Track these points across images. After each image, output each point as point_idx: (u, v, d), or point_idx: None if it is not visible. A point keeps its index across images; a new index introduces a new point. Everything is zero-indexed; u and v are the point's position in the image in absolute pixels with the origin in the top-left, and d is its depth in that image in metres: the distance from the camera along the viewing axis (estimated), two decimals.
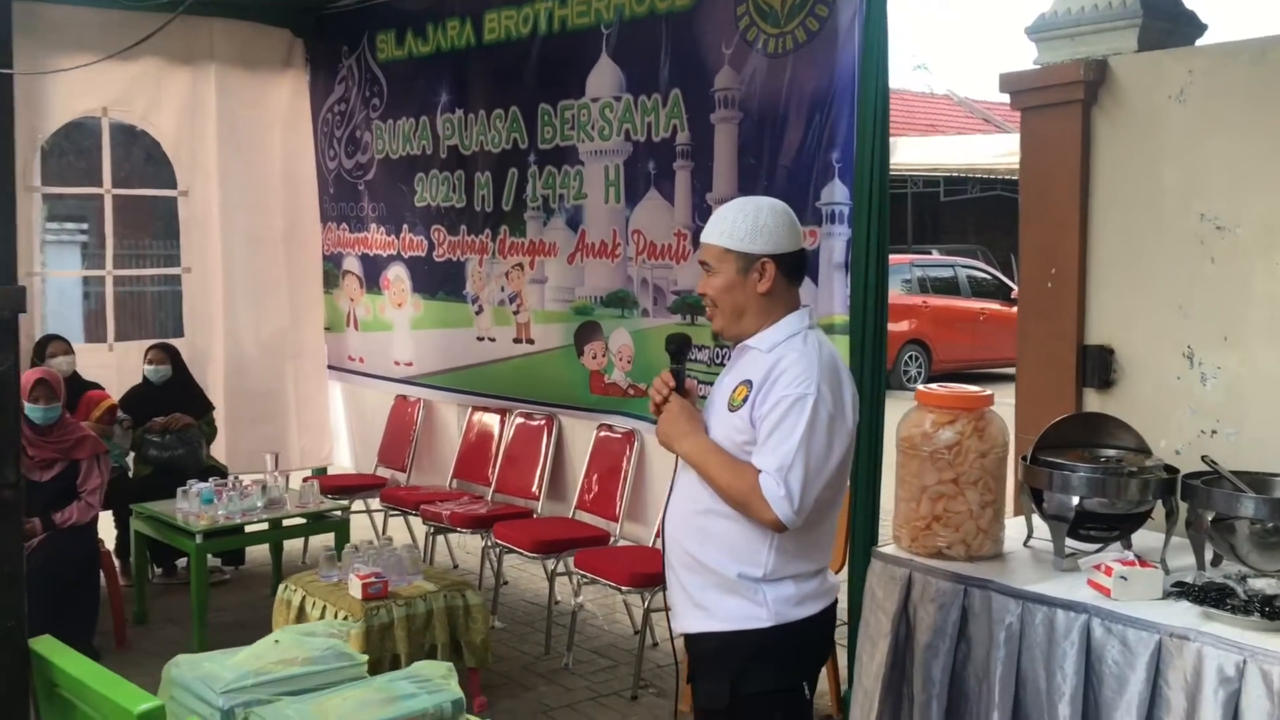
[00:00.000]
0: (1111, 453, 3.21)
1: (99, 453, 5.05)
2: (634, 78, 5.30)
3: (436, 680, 1.88)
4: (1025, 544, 3.24)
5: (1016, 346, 4.05)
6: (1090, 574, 2.84)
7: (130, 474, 6.16)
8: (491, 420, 6.32)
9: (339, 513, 5.65)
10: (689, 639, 2.66)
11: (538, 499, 5.87)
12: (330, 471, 7.41)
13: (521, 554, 5.30)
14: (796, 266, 2.63)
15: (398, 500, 6.26)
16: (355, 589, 4.27)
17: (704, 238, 2.63)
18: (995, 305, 14.54)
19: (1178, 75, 3.53)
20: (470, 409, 6.47)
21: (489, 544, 5.57)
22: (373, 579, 4.28)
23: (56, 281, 11.47)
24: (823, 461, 2.46)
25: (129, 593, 5.60)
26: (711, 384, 2.78)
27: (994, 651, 2.84)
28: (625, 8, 5.28)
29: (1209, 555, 2.97)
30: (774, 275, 2.56)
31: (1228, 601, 2.58)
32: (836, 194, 4.40)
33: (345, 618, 4.19)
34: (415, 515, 6.05)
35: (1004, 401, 3.95)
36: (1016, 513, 3.38)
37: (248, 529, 5.53)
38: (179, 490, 5.34)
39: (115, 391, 6.20)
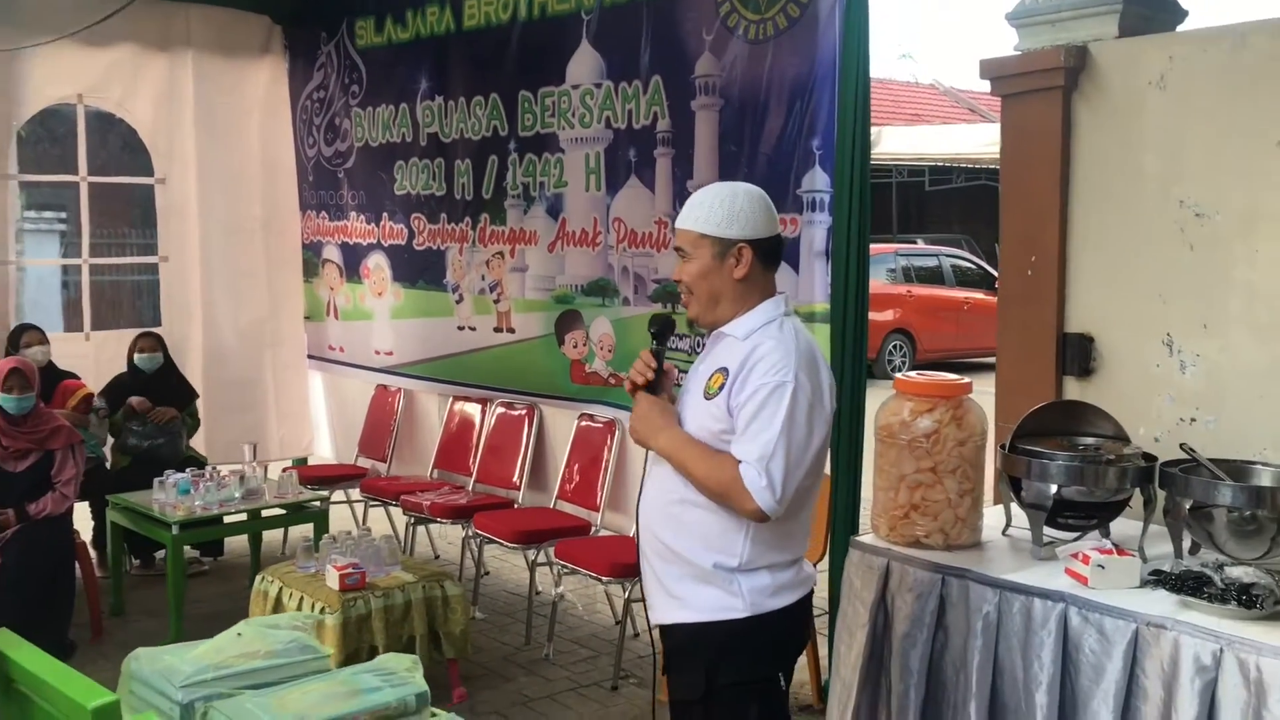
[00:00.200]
0: (1090, 441, 3.19)
1: (74, 443, 5.00)
2: (615, 64, 5.26)
3: (401, 673, 1.85)
4: (1004, 532, 3.23)
5: (997, 335, 4.03)
6: (1068, 562, 2.82)
7: (108, 464, 6.11)
8: (472, 410, 6.28)
9: (318, 503, 5.60)
10: (664, 630, 2.63)
11: (519, 489, 5.84)
12: (311, 462, 7.37)
13: (502, 544, 5.27)
14: (773, 252, 2.60)
15: (378, 491, 6.22)
16: (332, 580, 4.24)
17: (679, 223, 2.60)
18: (979, 295, 14.55)
19: (1158, 61, 3.51)
20: (451, 399, 6.43)
21: (469, 534, 5.54)
22: (350, 570, 4.24)
23: (36, 270, 11.39)
24: (803, 449, 2.44)
25: (105, 584, 5.55)
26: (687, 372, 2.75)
27: (971, 641, 2.83)
28: None
29: (1187, 543, 2.96)
30: (750, 261, 2.54)
31: (1205, 590, 2.56)
32: (817, 181, 4.38)
33: (322, 609, 4.16)
34: (396, 506, 6.02)
35: (987, 390, 3.94)
36: (996, 501, 3.37)
37: (226, 520, 5.49)
38: (155, 481, 5.29)
39: (92, 381, 6.14)
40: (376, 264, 6.81)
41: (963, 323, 14.61)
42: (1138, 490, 3.04)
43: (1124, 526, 3.14)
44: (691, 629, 2.54)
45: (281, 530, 6.29)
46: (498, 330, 6.05)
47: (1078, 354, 3.71)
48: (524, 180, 5.77)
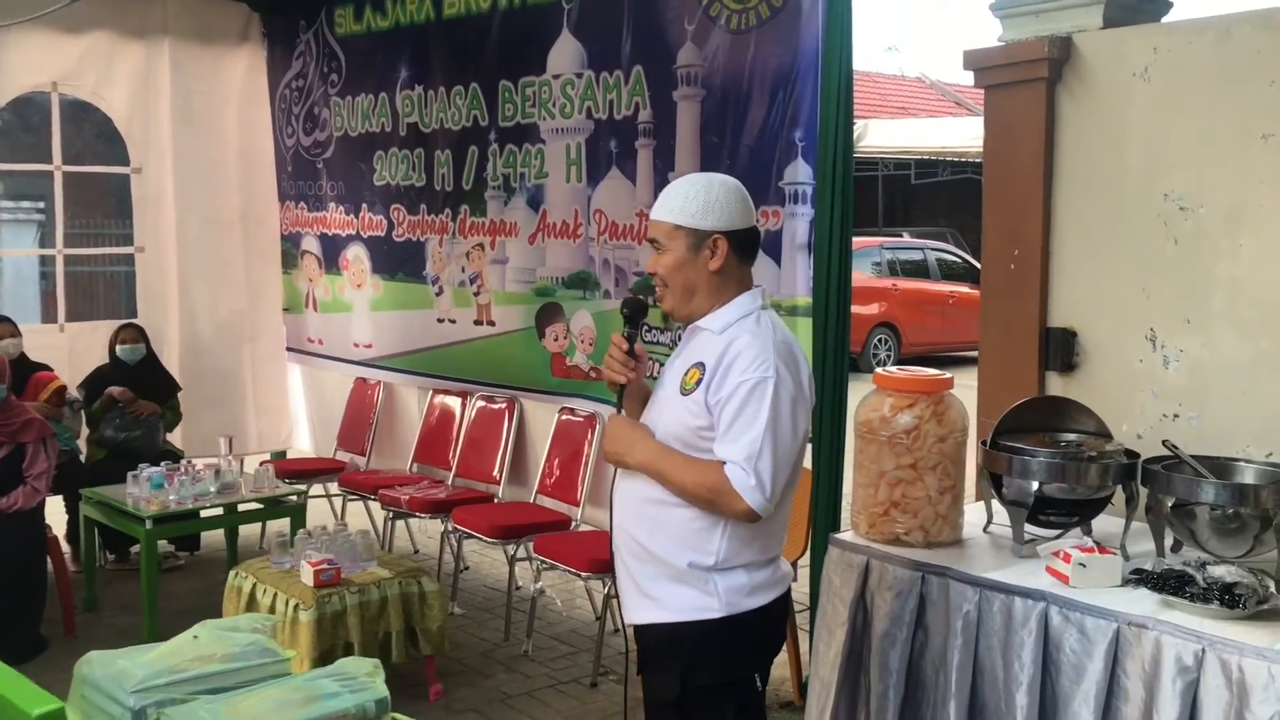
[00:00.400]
0: (1072, 437, 3.16)
1: (45, 436, 4.92)
2: (596, 54, 5.20)
3: (362, 678, 1.79)
4: (985, 530, 3.19)
5: (979, 329, 3.99)
6: (1049, 561, 2.79)
7: (82, 457, 6.03)
8: (453, 403, 6.22)
9: (294, 498, 5.54)
10: (638, 630, 2.59)
11: (499, 483, 5.79)
12: (290, 455, 7.31)
13: (481, 539, 5.21)
14: (749, 245, 2.55)
15: (356, 484, 6.17)
16: (307, 576, 4.18)
17: (654, 214, 2.55)
18: (965, 288, 14.53)
19: (1143, 53, 3.47)
20: (431, 392, 6.37)
21: (448, 529, 5.48)
22: (325, 566, 4.18)
23: (14, 261, 11.28)
24: (790, 445, 2.40)
25: (79, 579, 5.48)
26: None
27: (951, 640, 2.79)
28: None
29: (1169, 541, 2.93)
30: (726, 252, 2.49)
31: (1187, 589, 2.53)
32: (800, 174, 4.33)
33: (297, 605, 4.10)
34: (374, 500, 5.96)
35: (971, 384, 3.91)
36: (978, 498, 3.33)
37: (202, 514, 5.42)
38: (129, 475, 5.22)
39: (66, 373, 6.06)
40: (355, 255, 6.74)
41: (948, 316, 14.61)
42: (1120, 487, 3.00)
43: (1106, 524, 3.11)
44: (666, 629, 2.50)
45: (259, 525, 6.21)
46: (478, 323, 5.99)
47: (1060, 349, 3.67)
48: (504, 171, 5.71)
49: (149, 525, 4.99)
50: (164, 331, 6.72)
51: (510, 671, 4.73)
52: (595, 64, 5.19)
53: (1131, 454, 3.05)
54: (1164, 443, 3.03)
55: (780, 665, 3.48)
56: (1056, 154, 3.70)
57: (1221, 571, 2.55)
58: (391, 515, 5.90)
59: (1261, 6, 3.29)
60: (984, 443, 3.14)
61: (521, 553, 5.15)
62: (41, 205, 10.99)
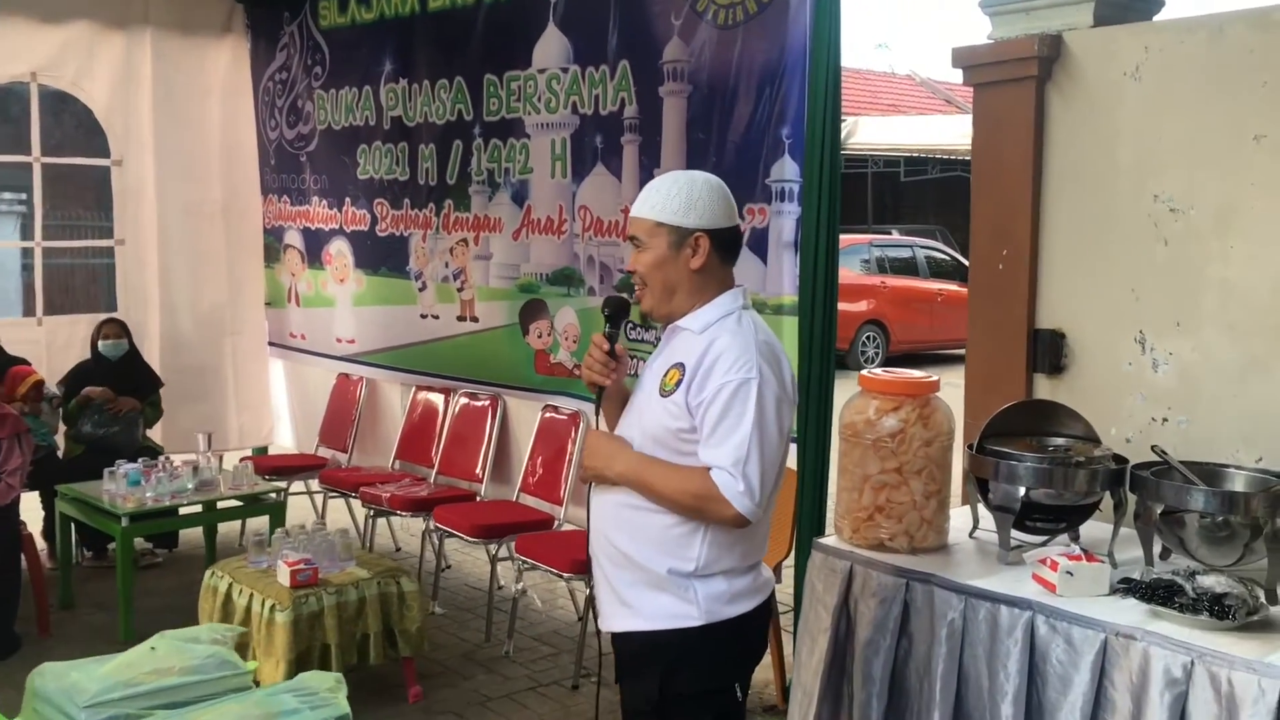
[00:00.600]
0: (1060, 441, 3.11)
1: (20, 432, 4.84)
2: (582, 48, 5.13)
3: (323, 693, 1.73)
4: (971, 535, 3.14)
5: (967, 329, 3.94)
6: (1035, 568, 2.73)
7: (59, 453, 5.95)
8: (435, 400, 6.16)
9: (274, 495, 5.47)
10: (616, 637, 2.53)
11: (481, 481, 5.73)
12: (272, 451, 7.23)
13: (462, 539, 5.15)
14: (731, 244, 2.50)
15: (337, 482, 6.09)
16: (284, 576, 4.11)
17: (635, 211, 2.49)
18: (953, 286, 14.50)
19: (1134, 52, 3.42)
20: (414, 388, 6.30)
21: (430, 528, 5.42)
22: (302, 566, 4.12)
23: None
24: (776, 448, 2.35)
25: (55, 577, 5.40)
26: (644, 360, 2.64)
27: (936, 648, 2.73)
28: None
29: (1157, 548, 2.88)
30: (708, 251, 2.43)
31: (1176, 600, 2.48)
32: (787, 171, 4.27)
33: (273, 606, 4.03)
34: (355, 497, 5.89)
35: (959, 382, 3.86)
36: (964, 502, 3.28)
37: (180, 511, 5.35)
38: (106, 471, 5.15)
39: (44, 367, 5.98)
40: (338, 250, 6.66)
41: (936, 314, 14.58)
42: (1108, 493, 2.95)
43: (1094, 530, 3.05)
44: (644, 637, 2.44)
45: (239, 522, 6.14)
46: (461, 319, 5.93)
47: (1049, 350, 3.62)
48: (489, 166, 5.64)
49: (125, 523, 4.92)
50: (144, 325, 6.64)
51: (491, 673, 4.67)
52: (581, 58, 5.13)
53: (1120, 459, 2.99)
54: (1153, 448, 2.98)
55: (764, 669, 3.43)
56: (1046, 154, 3.64)
57: (1211, 581, 2.50)
58: (373, 513, 5.83)
59: (1255, 5, 3.24)
60: (970, 447, 3.09)
61: (504, 552, 5.09)
62: (24, 197, 10.87)
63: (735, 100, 4.46)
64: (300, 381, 7.22)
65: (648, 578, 2.42)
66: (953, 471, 3.06)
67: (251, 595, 4.14)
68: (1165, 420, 3.36)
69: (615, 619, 2.49)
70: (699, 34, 4.59)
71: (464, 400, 5.97)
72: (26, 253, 7.71)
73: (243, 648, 4.13)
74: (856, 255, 14.61)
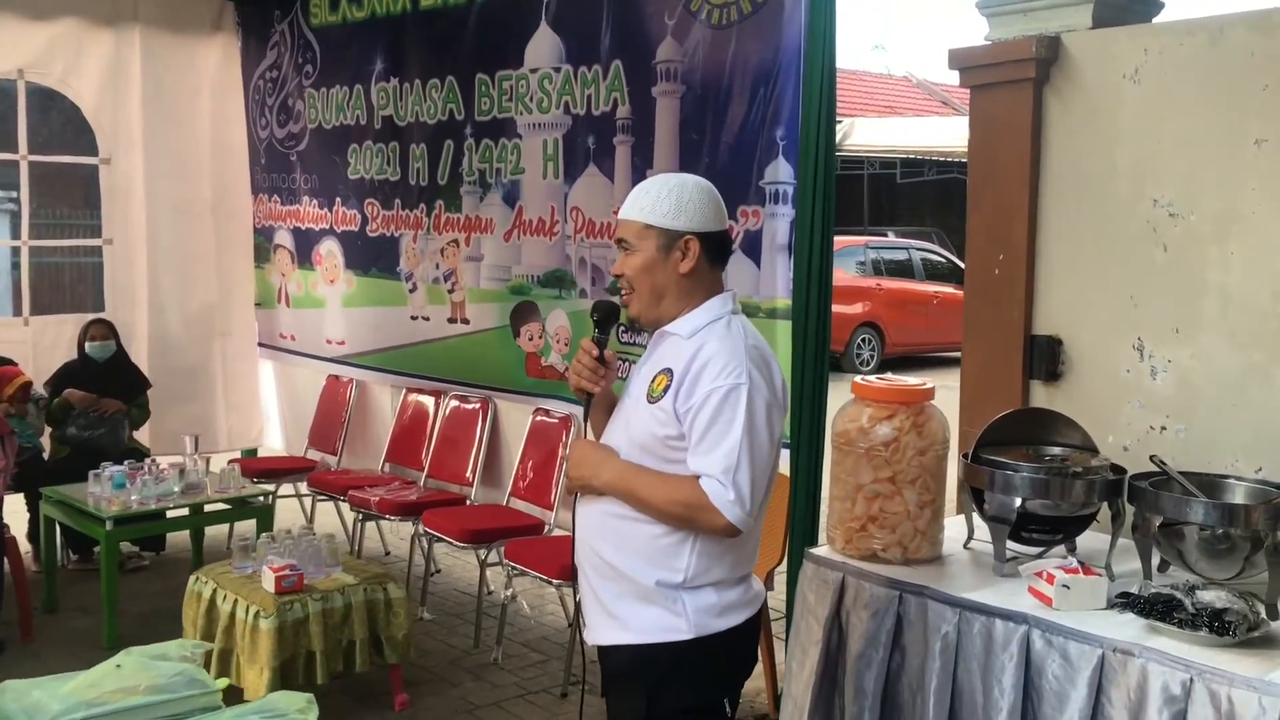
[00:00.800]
0: (1056, 451, 3.05)
1: (3, 434, 4.78)
2: (574, 48, 5.07)
3: (293, 714, 1.68)
4: (965, 545, 3.08)
5: (962, 335, 3.88)
6: (1031, 581, 2.68)
7: (45, 455, 5.88)
8: (426, 402, 6.09)
9: (261, 498, 5.40)
10: (602, 651, 2.47)
11: (472, 485, 5.66)
12: (261, 453, 7.17)
13: (451, 543, 5.09)
14: (721, 248, 2.44)
15: (326, 485, 6.03)
16: (268, 582, 4.05)
17: (623, 213, 2.43)
18: (949, 289, 14.46)
19: (1133, 54, 3.36)
20: (404, 390, 6.24)
21: (419, 532, 5.36)
22: (287, 571, 4.05)
23: None
24: (767, 455, 2.29)
25: (39, 580, 5.33)
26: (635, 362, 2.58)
27: (929, 662, 2.68)
28: None
29: (1156, 561, 2.82)
30: (698, 255, 2.37)
31: (1175, 615, 2.42)
32: (781, 173, 4.22)
33: (258, 613, 3.97)
34: (344, 501, 5.83)
35: (954, 385, 3.80)
36: (958, 511, 3.22)
37: (167, 514, 5.28)
38: (91, 474, 5.08)
39: (30, 368, 5.91)
40: (329, 250, 6.60)
41: (932, 317, 14.53)
42: (1105, 504, 2.90)
43: (1091, 541, 3.00)
44: (631, 651, 2.38)
45: (226, 525, 6.07)
46: (451, 321, 5.87)
47: (1045, 357, 3.57)
48: (480, 166, 5.58)
49: (109, 526, 4.86)
50: (132, 326, 6.57)
51: (478, 680, 4.61)
52: (573, 58, 5.07)
53: (1118, 469, 2.94)
54: (1151, 458, 2.92)
55: (756, 677, 3.37)
56: (1043, 157, 3.59)
57: (1211, 597, 2.45)
58: (361, 517, 5.77)
59: (1255, 8, 3.19)
60: (965, 456, 3.03)
61: (493, 557, 5.03)
62: (12, 195, 10.79)
63: (729, 101, 4.40)
64: (290, 383, 7.16)
65: (635, 590, 2.36)
66: (947, 481, 3.00)
67: (236, 601, 4.07)
68: (1163, 429, 3.30)
69: (602, 632, 2.43)
70: (693, 34, 4.54)
71: (454, 403, 5.91)
72: (14, 251, 7.65)
73: (226, 654, 4.08)
74: (852, 257, 14.56)
